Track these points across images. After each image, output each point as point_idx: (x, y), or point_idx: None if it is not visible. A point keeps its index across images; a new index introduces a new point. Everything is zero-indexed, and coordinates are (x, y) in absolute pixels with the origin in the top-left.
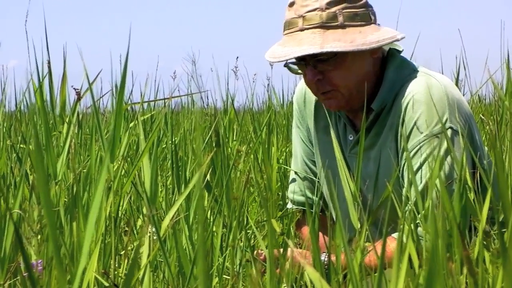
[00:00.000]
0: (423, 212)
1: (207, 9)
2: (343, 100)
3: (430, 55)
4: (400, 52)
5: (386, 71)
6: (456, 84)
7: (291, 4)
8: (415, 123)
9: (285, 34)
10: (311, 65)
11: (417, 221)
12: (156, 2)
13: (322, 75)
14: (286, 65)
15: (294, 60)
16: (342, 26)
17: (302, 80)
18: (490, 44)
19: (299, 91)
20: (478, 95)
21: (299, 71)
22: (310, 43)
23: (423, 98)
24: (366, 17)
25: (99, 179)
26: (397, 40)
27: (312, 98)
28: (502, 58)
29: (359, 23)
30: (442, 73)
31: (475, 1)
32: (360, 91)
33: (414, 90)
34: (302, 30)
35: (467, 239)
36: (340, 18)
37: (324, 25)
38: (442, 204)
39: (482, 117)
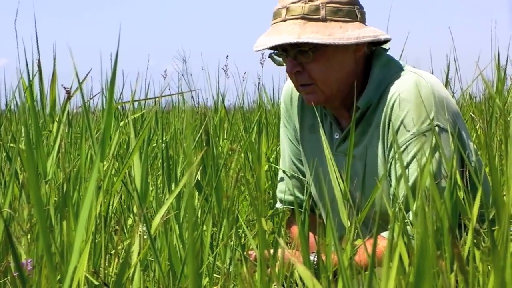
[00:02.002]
0: (414, 209)
1: (197, 8)
2: (322, 96)
3: (420, 53)
4: (386, 50)
5: (372, 69)
6: (446, 83)
7: None
8: (401, 122)
9: (271, 24)
10: (291, 56)
11: (406, 220)
12: (147, 1)
13: (302, 67)
14: (270, 56)
15: (277, 51)
16: (324, 20)
17: (289, 79)
18: (481, 42)
19: (286, 91)
20: (469, 93)
21: (284, 63)
22: (289, 33)
23: (410, 96)
24: (351, 14)
25: (90, 178)
26: (380, 40)
27: (298, 97)
28: (492, 56)
29: (341, 18)
30: (432, 72)
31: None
32: (340, 90)
33: (401, 89)
34: (284, 20)
35: (457, 237)
36: (322, 12)
37: (305, 17)
38: (432, 202)
39: (473, 115)
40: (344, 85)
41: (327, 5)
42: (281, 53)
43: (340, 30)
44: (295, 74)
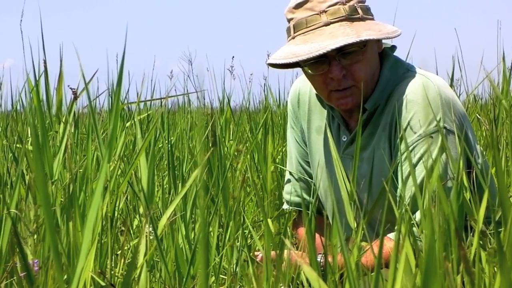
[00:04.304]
0: (423, 210)
1: (203, 9)
2: (359, 98)
3: (426, 54)
4: (393, 51)
5: (382, 70)
6: (451, 84)
7: (300, 5)
8: (408, 123)
9: (303, 32)
10: (336, 60)
11: (412, 222)
12: (153, 1)
13: (345, 69)
14: (301, 66)
15: (314, 59)
16: (362, 19)
17: (297, 80)
18: (486, 44)
19: (293, 92)
20: (474, 94)
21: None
22: (344, 34)
23: (417, 98)
24: (370, 11)
25: (97, 181)
26: (399, 35)
27: (305, 99)
28: (498, 58)
29: (370, 16)
30: (437, 73)
31: (471, 0)
32: (366, 88)
33: (408, 90)
34: (327, 24)
35: (463, 239)
36: (359, 11)
37: (349, 18)
38: (438, 204)
39: (479, 117)
40: (374, 84)
41: (359, 4)
42: (320, 59)
43: (381, 26)
44: (341, 77)
